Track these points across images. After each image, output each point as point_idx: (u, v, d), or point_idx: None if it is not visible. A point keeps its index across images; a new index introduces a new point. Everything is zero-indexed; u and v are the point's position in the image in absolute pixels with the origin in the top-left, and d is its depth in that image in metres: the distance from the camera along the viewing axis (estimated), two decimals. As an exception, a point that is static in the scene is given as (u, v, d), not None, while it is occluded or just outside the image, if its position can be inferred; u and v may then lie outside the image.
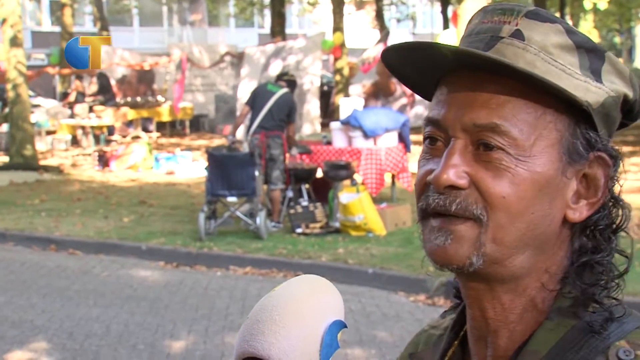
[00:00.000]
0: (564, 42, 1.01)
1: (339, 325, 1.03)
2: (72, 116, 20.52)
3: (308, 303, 1.02)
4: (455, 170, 0.99)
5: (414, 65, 1.06)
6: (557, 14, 27.01)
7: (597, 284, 1.00)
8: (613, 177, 1.03)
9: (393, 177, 11.13)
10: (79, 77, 21.86)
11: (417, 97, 17.95)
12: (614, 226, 1.03)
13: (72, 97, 21.28)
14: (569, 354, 0.97)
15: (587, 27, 35.58)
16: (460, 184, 0.99)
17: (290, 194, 10.33)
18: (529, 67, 0.98)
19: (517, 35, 1.00)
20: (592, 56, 1.02)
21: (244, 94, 17.53)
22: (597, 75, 1.01)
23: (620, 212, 1.04)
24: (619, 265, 1.04)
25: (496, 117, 0.98)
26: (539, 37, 1.00)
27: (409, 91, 20.91)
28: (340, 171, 9.93)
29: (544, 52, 1.00)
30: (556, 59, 1.00)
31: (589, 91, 1.00)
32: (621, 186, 1.04)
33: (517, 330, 1.03)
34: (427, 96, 1.08)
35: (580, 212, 1.02)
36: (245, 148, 9.99)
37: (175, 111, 20.49)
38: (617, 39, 46.03)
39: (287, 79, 10.49)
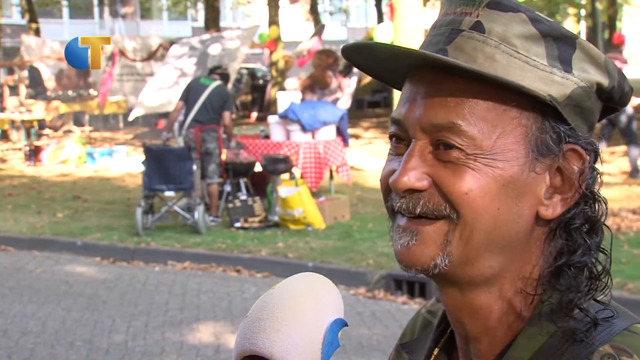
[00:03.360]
0: (528, 32, 0.96)
1: (340, 323, 1.02)
2: (1, 110, 20.04)
3: (309, 301, 1.01)
4: (414, 172, 0.97)
5: (376, 63, 1.04)
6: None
7: (575, 288, 0.96)
8: (589, 171, 0.98)
9: (331, 170, 11.15)
10: (10, 71, 21.31)
11: (350, 92, 17.88)
12: (592, 223, 0.99)
13: (7, 93, 20.73)
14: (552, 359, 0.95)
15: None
16: (419, 186, 0.97)
17: (228, 188, 10.26)
18: (487, 61, 0.95)
19: (477, 27, 0.97)
20: (561, 44, 0.97)
21: (166, 75, 17.40)
22: (566, 64, 0.97)
23: (598, 206, 0.99)
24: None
25: (454, 117, 0.96)
26: (500, 28, 0.96)
27: (345, 85, 20.94)
28: (279, 165, 9.90)
29: (505, 44, 0.96)
30: (519, 50, 0.96)
31: (554, 83, 0.96)
32: (601, 179, 1.00)
33: (497, 336, 1.00)
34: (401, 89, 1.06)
35: (553, 208, 0.98)
36: (180, 143, 9.90)
37: (101, 103, 20.17)
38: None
39: (221, 72, 10.43)
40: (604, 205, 0.99)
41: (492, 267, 0.98)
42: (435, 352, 1.10)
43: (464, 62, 0.96)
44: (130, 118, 18.64)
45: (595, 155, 0.99)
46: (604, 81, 0.99)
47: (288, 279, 1.05)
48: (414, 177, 0.97)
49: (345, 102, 14.72)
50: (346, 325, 1.02)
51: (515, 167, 0.96)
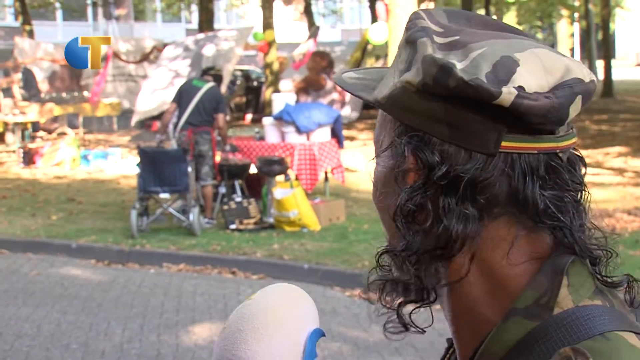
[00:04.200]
0: (402, 40, 1.02)
1: (319, 333, 1.03)
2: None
3: (289, 311, 1.02)
4: None
5: None
6: (483, 10, 27.42)
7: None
8: (408, 169, 0.97)
9: (326, 172, 11.14)
10: (6, 73, 21.23)
11: (347, 97, 18.01)
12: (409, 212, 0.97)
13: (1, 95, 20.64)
14: (521, 358, 0.93)
15: (511, 23, 36.12)
16: None
17: (223, 190, 10.25)
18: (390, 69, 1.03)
19: None
20: (410, 48, 0.99)
21: (161, 77, 17.43)
22: (410, 66, 0.98)
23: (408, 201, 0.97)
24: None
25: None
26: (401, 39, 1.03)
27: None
28: (274, 167, 9.90)
29: (397, 54, 1.03)
30: (397, 57, 1.02)
31: (388, 85, 1.00)
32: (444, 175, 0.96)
33: (472, 328, 0.99)
34: None
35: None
36: (173, 145, 9.89)
37: (91, 103, 20.14)
38: (540, 35, 47.04)
39: (214, 74, 10.41)
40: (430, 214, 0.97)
41: None
42: (451, 351, 1.11)
43: None
44: (133, 124, 18.69)
45: (418, 159, 0.96)
46: (412, 79, 0.96)
47: (263, 291, 1.06)
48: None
49: (351, 111, 14.69)
50: (323, 335, 1.04)
51: (388, 167, 1.01)
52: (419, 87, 0.95)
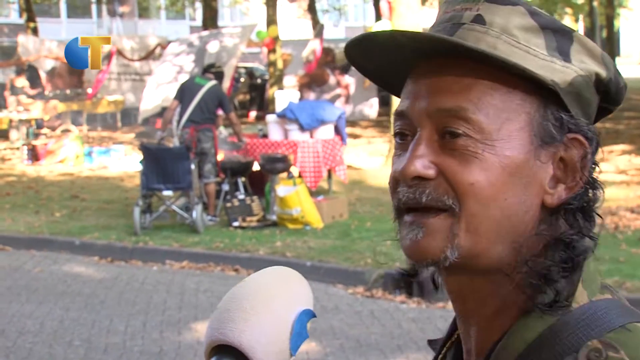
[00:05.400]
0: (528, 24, 0.98)
1: (309, 314, 1.02)
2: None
3: (278, 292, 1.02)
4: (421, 160, 0.96)
5: (377, 61, 1.04)
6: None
7: (552, 258, 0.96)
8: (590, 159, 0.99)
9: (329, 170, 11.14)
10: (18, 72, 21.21)
11: (352, 91, 18.01)
12: (587, 208, 0.99)
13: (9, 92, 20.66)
14: (543, 352, 0.93)
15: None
16: (427, 174, 0.96)
17: (226, 187, 10.25)
18: (490, 50, 0.96)
19: (478, 20, 0.98)
20: (559, 36, 0.98)
21: (165, 73, 17.48)
22: (565, 55, 0.98)
23: (596, 193, 1.00)
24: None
25: (461, 101, 0.96)
26: (500, 20, 0.97)
27: (344, 82, 20.92)
28: (277, 164, 9.90)
29: (506, 35, 0.97)
30: (520, 40, 0.97)
31: (556, 70, 0.97)
32: (599, 167, 1.01)
33: (497, 324, 0.99)
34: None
35: (558, 196, 0.98)
36: (175, 142, 9.89)
37: (88, 97, 20.20)
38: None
39: (215, 71, 10.41)
40: (602, 192, 1.01)
41: (502, 257, 0.97)
42: (449, 343, 1.10)
43: None
44: (140, 121, 18.76)
45: (597, 143, 1.00)
46: (602, 72, 1.00)
47: (258, 272, 1.06)
48: (421, 164, 0.96)
49: (343, 99, 14.60)
50: (314, 316, 1.03)
51: (522, 155, 0.96)
52: (602, 81, 1.01)
